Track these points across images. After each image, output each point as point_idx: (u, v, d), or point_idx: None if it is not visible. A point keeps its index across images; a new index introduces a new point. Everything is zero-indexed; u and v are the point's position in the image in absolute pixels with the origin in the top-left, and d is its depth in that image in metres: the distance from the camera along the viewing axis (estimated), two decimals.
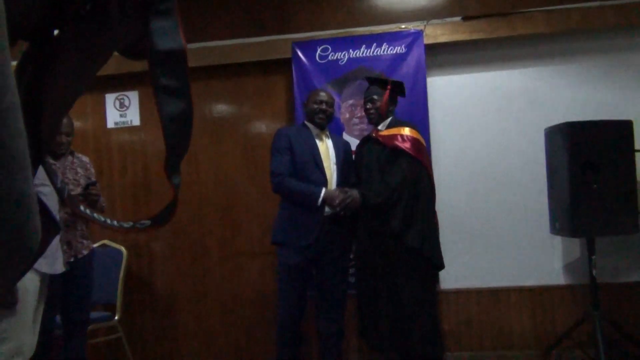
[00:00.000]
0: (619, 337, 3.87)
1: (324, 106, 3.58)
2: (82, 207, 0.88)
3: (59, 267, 2.82)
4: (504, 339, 4.26)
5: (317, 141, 3.59)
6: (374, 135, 3.58)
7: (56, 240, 2.79)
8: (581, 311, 3.99)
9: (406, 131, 3.46)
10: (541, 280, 4.25)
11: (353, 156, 3.80)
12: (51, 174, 0.66)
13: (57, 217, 2.84)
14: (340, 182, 3.54)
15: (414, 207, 3.33)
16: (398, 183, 3.32)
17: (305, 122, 3.67)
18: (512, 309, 4.27)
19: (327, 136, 3.66)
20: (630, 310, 4.13)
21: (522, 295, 4.26)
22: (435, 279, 3.51)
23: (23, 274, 0.52)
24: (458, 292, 4.26)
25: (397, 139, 3.43)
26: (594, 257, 3.83)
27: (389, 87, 3.57)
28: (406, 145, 3.40)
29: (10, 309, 2.57)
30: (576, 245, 4.23)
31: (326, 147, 3.61)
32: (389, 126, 3.55)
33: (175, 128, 0.85)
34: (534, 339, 4.22)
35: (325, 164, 3.54)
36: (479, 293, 4.29)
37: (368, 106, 3.58)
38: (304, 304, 3.58)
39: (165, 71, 0.80)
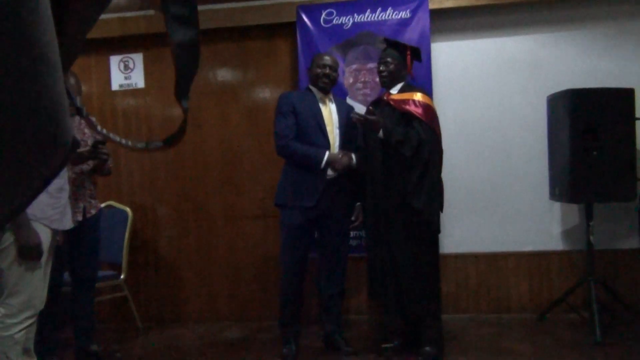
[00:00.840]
0: (612, 301, 3.96)
1: (327, 70, 3.60)
2: (99, 127, 0.95)
3: (67, 224, 2.88)
4: (501, 302, 4.36)
5: (321, 105, 3.62)
6: (385, 98, 3.56)
7: (65, 197, 2.85)
8: (577, 276, 4.08)
9: (418, 96, 3.45)
10: (539, 246, 4.32)
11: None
12: (70, 92, 0.71)
13: (66, 177, 2.89)
14: (343, 146, 3.59)
15: (424, 172, 3.36)
16: (418, 139, 3.34)
17: (310, 86, 3.69)
18: (509, 273, 4.35)
19: (330, 100, 3.68)
20: (624, 276, 4.22)
21: (520, 260, 4.34)
22: (436, 242, 3.55)
23: (55, 174, 0.58)
24: (457, 257, 4.34)
25: (409, 104, 3.42)
26: (591, 223, 3.90)
27: (408, 52, 3.57)
28: (419, 111, 3.39)
29: (35, 263, 2.66)
30: (575, 212, 4.29)
31: (329, 111, 3.64)
32: (401, 90, 3.54)
33: (185, 54, 0.92)
34: (530, 303, 4.32)
35: (328, 128, 3.58)
36: (477, 257, 4.37)
37: (381, 68, 3.54)
38: (306, 264, 3.66)
39: (176, 0, 0.87)
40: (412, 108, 3.41)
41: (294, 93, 3.79)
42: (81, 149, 3.25)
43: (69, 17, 0.71)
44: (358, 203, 3.72)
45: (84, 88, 4.50)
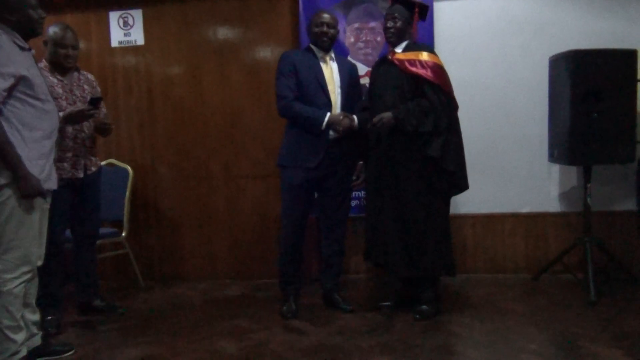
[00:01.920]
0: (607, 262, 4.02)
1: (325, 28, 3.55)
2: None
3: (54, 183, 2.89)
4: (497, 262, 4.42)
5: (322, 64, 3.59)
6: (390, 57, 3.50)
7: (52, 157, 2.86)
8: (573, 238, 4.12)
9: (424, 56, 3.40)
10: (536, 207, 4.36)
11: (362, 79, 3.80)
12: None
13: (54, 139, 2.89)
14: (345, 105, 3.58)
15: (447, 137, 3.36)
16: (431, 110, 3.33)
17: (310, 45, 3.66)
18: (507, 234, 4.40)
19: (332, 59, 3.65)
20: (620, 237, 4.27)
21: (517, 221, 4.39)
22: (448, 199, 3.57)
23: None
24: (454, 217, 4.36)
25: (416, 65, 3.37)
26: (589, 184, 3.92)
27: (416, 9, 3.51)
28: (428, 74, 3.34)
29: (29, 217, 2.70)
30: (573, 174, 4.31)
31: (331, 71, 3.61)
32: (406, 49, 3.48)
33: None
34: (526, 264, 4.38)
35: (329, 88, 3.56)
36: (475, 218, 4.42)
37: (389, 24, 3.47)
38: (305, 223, 3.70)
39: None
40: (420, 71, 3.36)
41: (295, 52, 3.74)
42: (79, 107, 3.24)
43: None
44: (360, 162, 3.73)
45: (83, 45, 4.47)
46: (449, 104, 3.42)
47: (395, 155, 3.41)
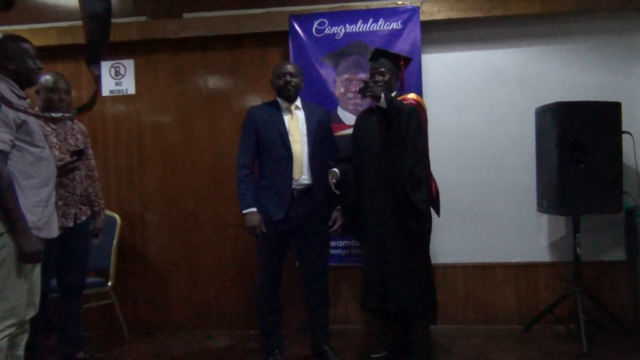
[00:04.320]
0: (599, 313, 3.99)
1: (287, 77, 3.58)
2: (16, 105, 1.03)
3: (54, 231, 2.86)
4: (488, 313, 4.38)
5: (286, 115, 3.60)
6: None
7: (52, 204, 2.83)
8: (564, 288, 4.11)
9: (411, 95, 3.57)
10: (527, 257, 4.35)
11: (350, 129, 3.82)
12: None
13: (53, 185, 2.87)
14: (313, 152, 3.57)
15: (419, 159, 3.40)
16: (422, 167, 3.41)
17: (277, 98, 3.68)
18: (497, 284, 4.38)
19: (297, 108, 3.66)
20: (610, 287, 4.26)
21: (508, 272, 4.37)
22: (427, 244, 3.56)
23: None
24: (445, 267, 4.36)
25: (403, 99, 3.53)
26: (578, 235, 3.93)
27: (402, 62, 3.60)
28: (412, 102, 3.48)
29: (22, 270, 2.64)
30: (562, 224, 4.32)
31: (296, 120, 3.61)
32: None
33: (96, 26, 0.96)
34: (518, 314, 4.34)
35: (292, 138, 3.55)
36: (465, 268, 4.39)
37: (377, 79, 3.52)
38: (280, 272, 3.66)
39: None
40: (405, 101, 3.51)
41: (259, 107, 3.74)
42: (65, 161, 3.22)
43: None
44: (337, 207, 3.65)
45: (74, 93, 4.48)
46: (424, 136, 3.54)
47: (396, 203, 3.41)
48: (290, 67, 3.63)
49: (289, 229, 3.56)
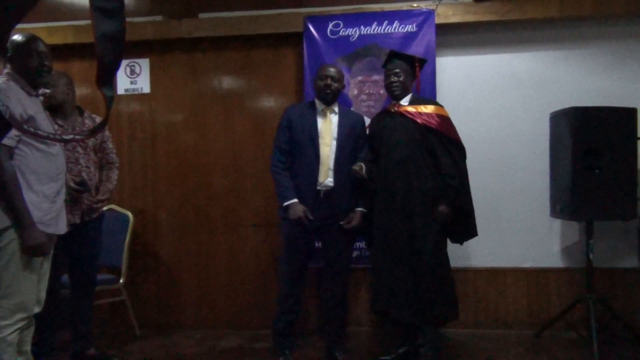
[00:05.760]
0: (611, 320, 3.96)
1: (329, 81, 3.60)
2: (25, 126, 1.02)
3: (62, 227, 2.89)
4: (499, 318, 4.36)
5: (320, 118, 3.63)
6: (395, 109, 3.57)
7: (61, 201, 2.86)
8: (576, 294, 4.08)
9: (431, 109, 3.52)
10: (539, 262, 4.32)
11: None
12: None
13: (63, 182, 2.90)
14: (339, 157, 3.58)
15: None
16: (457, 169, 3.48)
17: (315, 98, 3.71)
18: (508, 289, 4.36)
19: (333, 112, 3.68)
20: (623, 294, 4.22)
21: (519, 277, 4.34)
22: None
23: None
24: (457, 271, 4.32)
25: (426, 117, 3.48)
26: (591, 241, 3.90)
27: (417, 64, 3.61)
28: (437, 126, 3.47)
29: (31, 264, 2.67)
30: (575, 229, 4.30)
31: (329, 123, 3.63)
32: (411, 102, 3.57)
33: (108, 46, 0.94)
34: (528, 319, 4.31)
35: (323, 141, 3.58)
36: (476, 272, 4.38)
37: (393, 79, 3.55)
38: (303, 274, 3.67)
39: None
40: (430, 123, 3.47)
41: (296, 107, 3.80)
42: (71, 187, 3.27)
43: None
44: (358, 209, 3.64)
45: (90, 92, 4.53)
46: (462, 153, 3.55)
47: (414, 211, 3.42)
48: (333, 71, 3.64)
49: (313, 229, 3.57)
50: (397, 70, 3.55)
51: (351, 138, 3.65)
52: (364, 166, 3.50)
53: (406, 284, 3.39)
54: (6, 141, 2.55)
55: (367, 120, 4.02)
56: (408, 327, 3.53)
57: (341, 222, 3.60)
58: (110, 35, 0.92)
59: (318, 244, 3.85)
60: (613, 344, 3.86)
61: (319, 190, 3.56)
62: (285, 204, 3.53)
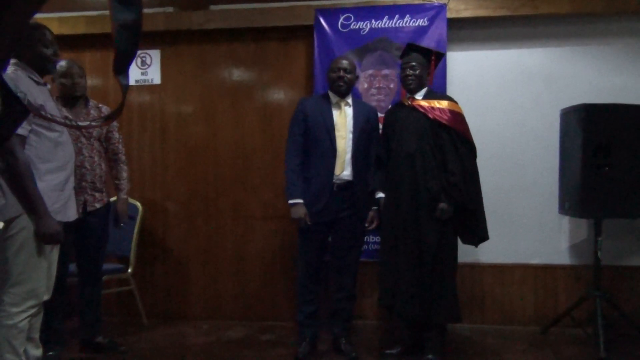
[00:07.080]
0: (618, 318, 3.95)
1: (341, 73, 3.60)
2: (42, 112, 1.02)
3: (71, 215, 2.91)
4: (505, 314, 4.36)
5: (335, 110, 3.63)
6: (409, 102, 3.56)
7: (69, 189, 2.88)
8: (583, 291, 4.07)
9: (445, 104, 3.49)
10: (546, 259, 4.32)
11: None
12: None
13: (71, 170, 2.92)
14: (357, 150, 3.59)
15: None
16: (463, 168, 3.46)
17: (328, 91, 3.72)
18: (515, 285, 4.35)
19: (347, 104, 3.68)
20: (630, 292, 4.21)
21: (527, 273, 4.34)
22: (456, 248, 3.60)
23: None
24: (463, 267, 4.33)
25: (440, 113, 3.45)
26: (600, 238, 3.89)
27: (433, 57, 3.60)
28: (451, 122, 3.44)
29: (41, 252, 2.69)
30: (583, 227, 4.28)
31: (344, 116, 3.64)
32: (426, 96, 3.56)
33: (126, 35, 0.95)
34: (535, 316, 4.31)
35: (339, 133, 3.59)
36: (484, 268, 4.37)
37: (409, 72, 3.53)
38: (320, 266, 3.69)
39: None
40: (444, 118, 3.44)
41: (310, 99, 3.81)
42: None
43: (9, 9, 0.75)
44: (374, 208, 3.71)
45: (100, 82, 4.55)
46: (471, 151, 3.51)
47: (420, 206, 3.43)
48: (345, 63, 3.64)
49: (326, 222, 3.59)
50: (414, 63, 3.53)
51: (366, 130, 3.66)
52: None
53: (410, 280, 3.41)
54: (20, 131, 2.57)
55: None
56: (414, 322, 3.54)
57: (366, 224, 3.68)
58: (128, 24, 0.93)
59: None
60: (619, 342, 3.85)
61: (334, 183, 3.57)
62: (290, 202, 3.55)
